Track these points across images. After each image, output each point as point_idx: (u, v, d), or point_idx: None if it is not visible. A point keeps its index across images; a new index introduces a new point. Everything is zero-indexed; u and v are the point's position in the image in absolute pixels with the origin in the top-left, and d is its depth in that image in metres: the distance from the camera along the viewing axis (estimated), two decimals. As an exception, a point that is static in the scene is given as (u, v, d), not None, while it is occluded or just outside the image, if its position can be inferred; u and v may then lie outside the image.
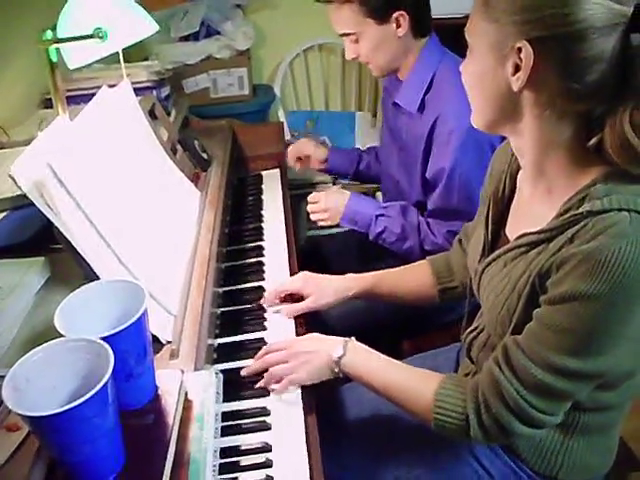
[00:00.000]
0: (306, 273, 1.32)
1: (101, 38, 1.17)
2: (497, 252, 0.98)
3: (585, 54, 0.77)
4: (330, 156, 1.91)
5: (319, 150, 1.92)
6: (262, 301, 1.30)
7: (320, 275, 1.32)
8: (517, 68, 0.83)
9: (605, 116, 0.81)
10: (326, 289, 1.28)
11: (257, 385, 1.07)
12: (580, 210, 0.81)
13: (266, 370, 1.08)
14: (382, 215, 1.59)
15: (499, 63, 0.85)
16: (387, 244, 1.60)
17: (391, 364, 1.05)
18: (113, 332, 0.73)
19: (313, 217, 1.63)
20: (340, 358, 1.04)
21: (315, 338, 1.12)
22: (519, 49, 0.81)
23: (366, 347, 1.07)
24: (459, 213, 1.48)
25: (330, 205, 1.61)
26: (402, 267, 1.37)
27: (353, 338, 1.08)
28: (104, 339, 0.72)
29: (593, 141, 0.83)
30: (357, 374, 1.04)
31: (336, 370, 1.05)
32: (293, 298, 1.30)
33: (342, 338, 1.08)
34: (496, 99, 0.88)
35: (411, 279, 1.33)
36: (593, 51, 0.77)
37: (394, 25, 1.47)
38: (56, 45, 1.17)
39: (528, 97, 0.85)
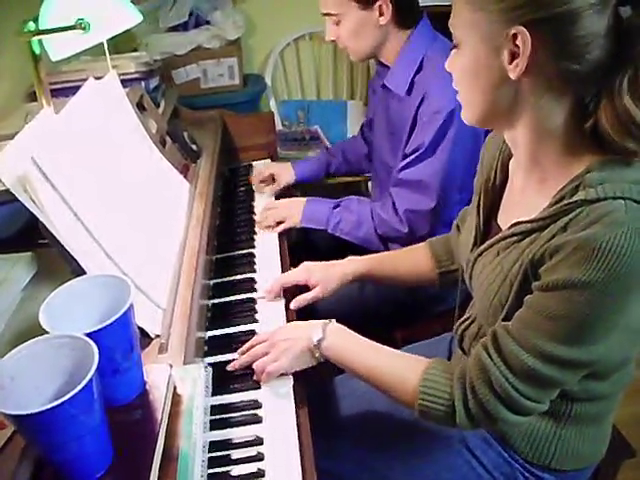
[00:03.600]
0: (308, 264, 1.34)
1: (84, 29, 1.16)
2: (489, 241, 0.97)
3: (582, 32, 0.76)
4: (297, 170, 1.89)
5: (285, 171, 1.88)
6: (265, 294, 1.31)
7: (321, 263, 1.34)
8: (513, 55, 0.80)
9: (601, 93, 0.80)
10: (331, 277, 1.30)
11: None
12: (574, 199, 0.80)
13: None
14: (338, 206, 1.62)
15: (493, 53, 0.82)
16: (345, 234, 1.62)
17: (374, 347, 1.04)
18: (97, 328, 0.73)
19: (265, 222, 1.60)
20: (320, 342, 1.03)
21: (294, 325, 1.12)
22: (514, 35, 0.79)
23: (347, 329, 1.06)
24: (423, 187, 1.49)
25: (290, 210, 1.62)
26: (401, 249, 1.39)
27: (333, 320, 1.08)
28: (89, 335, 0.71)
29: (590, 122, 0.82)
30: (338, 357, 1.04)
31: (317, 355, 1.04)
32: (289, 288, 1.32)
33: (322, 321, 1.07)
34: (493, 91, 0.86)
35: (411, 262, 1.33)
36: (590, 29, 0.76)
37: (377, 13, 1.47)
38: (38, 37, 1.16)
39: (526, 85, 0.83)
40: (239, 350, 1.12)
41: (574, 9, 0.75)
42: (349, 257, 1.34)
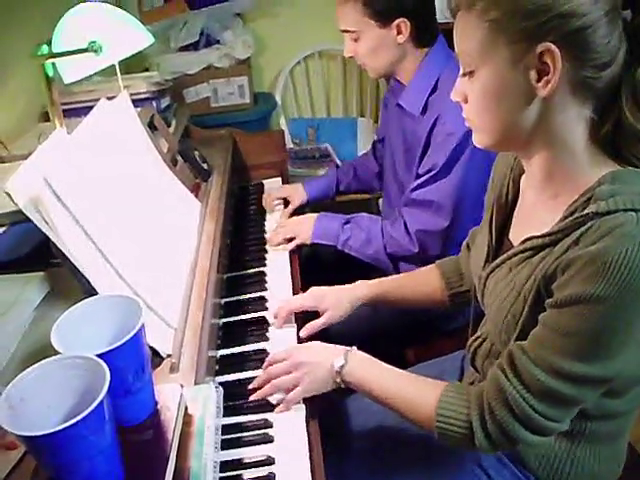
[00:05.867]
0: (317, 289, 1.31)
1: (96, 52, 1.18)
2: (502, 257, 0.96)
3: (602, 40, 0.77)
4: (308, 190, 1.89)
5: (297, 192, 1.88)
6: (273, 321, 1.29)
7: (330, 288, 1.30)
8: (540, 73, 0.80)
9: (620, 90, 0.81)
10: (340, 302, 1.27)
11: (254, 396, 1.07)
12: (585, 212, 0.80)
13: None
14: (348, 222, 1.62)
15: (519, 73, 0.81)
16: (353, 251, 1.61)
17: (393, 373, 1.03)
18: (109, 349, 0.73)
19: (276, 239, 1.60)
20: (342, 368, 1.03)
21: (316, 347, 1.11)
22: (541, 53, 0.79)
23: (368, 356, 1.06)
24: (436, 207, 1.49)
25: (301, 226, 1.62)
26: (411, 272, 1.38)
27: (354, 348, 1.07)
28: (100, 356, 0.71)
29: (604, 130, 0.83)
30: (359, 384, 1.03)
31: (338, 380, 1.04)
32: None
33: (343, 347, 1.07)
34: (517, 112, 0.84)
35: (421, 284, 1.31)
36: (608, 36, 0.77)
37: (395, 31, 1.48)
38: (51, 60, 1.17)
39: (552, 101, 0.82)
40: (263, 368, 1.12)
41: (592, 19, 0.76)
42: (359, 281, 1.32)
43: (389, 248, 1.58)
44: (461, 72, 0.89)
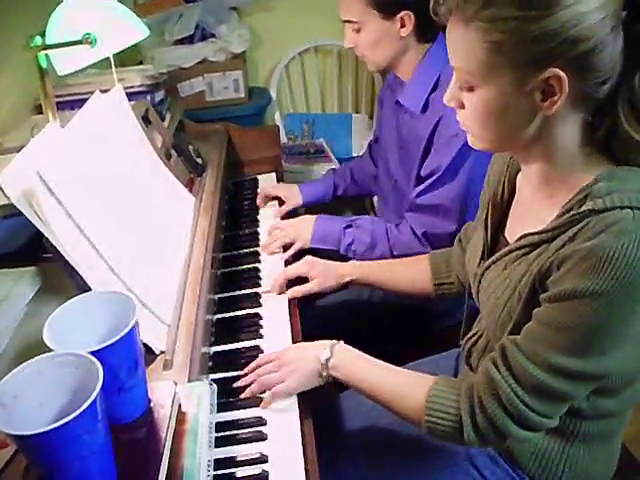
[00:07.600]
0: (310, 258, 1.39)
1: (90, 44, 1.16)
2: (497, 254, 0.97)
3: (607, 58, 0.77)
4: (304, 193, 1.86)
5: (292, 194, 1.84)
6: (271, 288, 1.36)
7: (322, 260, 1.38)
8: (543, 93, 0.80)
9: (617, 96, 0.81)
10: (330, 273, 1.35)
11: (243, 395, 1.07)
12: (582, 209, 0.80)
13: None
14: (350, 226, 1.59)
15: (523, 95, 0.81)
16: (358, 256, 1.57)
17: (380, 366, 1.03)
18: (102, 346, 0.72)
19: (273, 245, 1.55)
20: (327, 361, 1.03)
21: (302, 346, 1.12)
22: (548, 77, 0.78)
23: (354, 349, 1.06)
24: (443, 211, 1.47)
25: (299, 229, 1.58)
26: (403, 259, 1.41)
27: (341, 341, 1.07)
28: (93, 353, 0.70)
29: (601, 132, 0.83)
30: (345, 376, 1.03)
31: (324, 374, 1.04)
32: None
33: (329, 341, 1.07)
34: (518, 129, 0.85)
35: (408, 269, 1.35)
36: (612, 52, 0.77)
37: (398, 24, 1.45)
38: (45, 51, 1.16)
39: (555, 116, 0.82)
40: (246, 369, 1.11)
41: (599, 39, 0.75)
42: (351, 261, 1.40)
43: (396, 251, 1.54)
44: (457, 84, 0.88)
